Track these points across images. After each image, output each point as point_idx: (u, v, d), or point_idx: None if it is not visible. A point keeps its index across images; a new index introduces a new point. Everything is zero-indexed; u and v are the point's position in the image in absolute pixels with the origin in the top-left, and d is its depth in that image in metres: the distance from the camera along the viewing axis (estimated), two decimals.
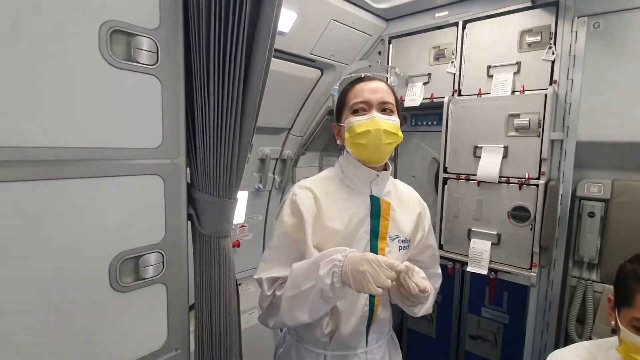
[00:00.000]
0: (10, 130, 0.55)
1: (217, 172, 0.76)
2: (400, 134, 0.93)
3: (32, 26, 0.56)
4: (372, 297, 0.95)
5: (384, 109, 0.91)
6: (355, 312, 0.93)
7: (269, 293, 0.87)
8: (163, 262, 0.74)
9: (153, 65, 0.67)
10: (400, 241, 0.98)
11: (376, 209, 0.95)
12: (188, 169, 0.80)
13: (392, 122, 0.91)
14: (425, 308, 1.00)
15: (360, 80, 0.96)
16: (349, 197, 0.95)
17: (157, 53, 0.68)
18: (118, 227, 0.68)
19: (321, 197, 0.92)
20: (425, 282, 0.86)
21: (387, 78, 0.99)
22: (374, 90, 0.92)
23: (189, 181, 0.81)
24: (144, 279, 0.71)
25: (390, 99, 0.93)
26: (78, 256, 0.64)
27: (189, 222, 0.82)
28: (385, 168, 0.99)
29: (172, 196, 0.74)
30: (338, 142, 1.01)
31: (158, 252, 0.73)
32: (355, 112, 0.92)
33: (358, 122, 0.90)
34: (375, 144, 0.89)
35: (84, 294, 0.65)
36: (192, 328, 0.84)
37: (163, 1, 0.68)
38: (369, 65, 1.01)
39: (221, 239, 0.81)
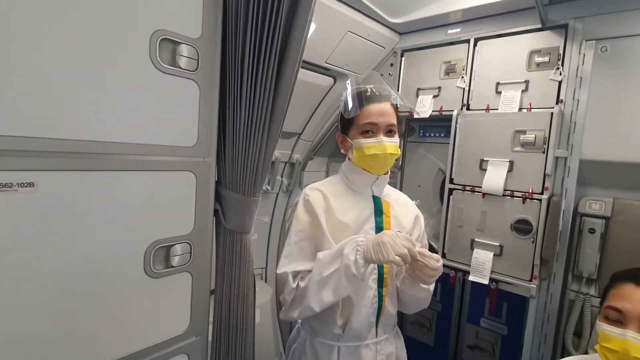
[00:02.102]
0: (64, 124, 0.61)
1: (244, 171, 0.82)
2: (399, 151, 1.04)
3: (92, 32, 0.62)
4: (380, 290, 1.03)
5: (389, 130, 1.01)
6: (366, 302, 1.01)
7: (294, 285, 0.94)
8: (190, 253, 0.79)
9: (194, 71, 0.74)
10: None
11: (379, 207, 1.06)
12: (216, 167, 0.85)
13: (395, 144, 1.02)
14: (430, 296, 1.10)
15: (368, 99, 1.02)
16: (355, 198, 1.06)
17: (198, 60, 0.74)
18: (154, 217, 0.74)
19: (330, 197, 1.03)
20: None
21: (391, 97, 1.05)
22: (382, 113, 1.00)
23: (217, 179, 0.86)
24: (173, 266, 0.76)
25: (395, 120, 1.03)
26: (118, 242, 0.69)
27: (214, 217, 0.87)
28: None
29: (202, 192, 0.80)
30: (342, 150, 1.10)
31: (187, 242, 0.78)
32: (364, 132, 1.00)
33: (367, 145, 0.99)
34: (381, 164, 1.02)
35: (121, 277, 0.71)
36: (210, 319, 0.89)
37: (205, 13, 0.74)
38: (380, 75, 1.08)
39: (243, 235, 0.87)
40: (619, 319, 0.76)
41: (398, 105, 1.06)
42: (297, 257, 0.97)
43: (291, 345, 1.16)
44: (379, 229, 1.04)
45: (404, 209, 1.13)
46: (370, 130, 1.00)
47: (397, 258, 0.82)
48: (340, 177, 1.11)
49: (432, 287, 1.07)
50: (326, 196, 1.02)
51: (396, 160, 1.94)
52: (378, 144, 0.98)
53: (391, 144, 1.00)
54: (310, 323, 1.07)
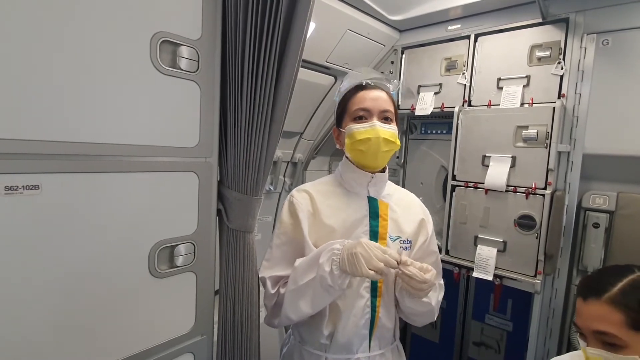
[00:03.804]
0: (67, 127, 0.62)
1: (246, 171, 0.83)
2: (398, 142, 0.96)
3: (93, 36, 0.63)
4: (373, 299, 0.95)
5: (384, 117, 0.95)
6: (355, 312, 0.93)
7: (273, 291, 0.90)
8: (194, 253, 0.80)
9: (194, 72, 0.74)
10: (401, 242, 0.99)
11: (374, 209, 0.98)
12: (218, 167, 0.86)
13: (391, 131, 0.94)
14: (436, 310, 1.00)
15: (362, 88, 0.98)
16: (347, 199, 0.98)
17: (198, 61, 0.74)
18: (157, 217, 0.74)
19: (318, 198, 0.97)
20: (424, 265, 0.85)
21: (388, 87, 1.01)
22: (375, 98, 0.95)
23: (219, 179, 0.87)
24: (178, 266, 0.77)
25: (391, 107, 0.96)
26: (122, 243, 0.70)
27: (217, 217, 0.88)
28: (382, 170, 1.01)
29: (205, 192, 0.81)
30: (338, 145, 1.04)
31: (190, 242, 0.79)
32: (356, 119, 0.95)
33: (358, 130, 0.93)
34: (374, 152, 0.92)
35: (126, 278, 0.72)
36: (215, 318, 0.90)
37: (205, 14, 0.75)
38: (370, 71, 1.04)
39: (246, 234, 0.87)
40: (582, 333, 0.74)
41: (398, 104, 1.03)
42: (278, 262, 0.93)
43: (282, 349, 1.12)
44: (373, 233, 0.96)
45: (407, 211, 1.04)
46: (363, 117, 0.94)
47: (371, 272, 0.76)
48: (335, 176, 1.05)
49: (434, 300, 0.97)
50: (313, 198, 0.97)
51: (397, 157, 1.95)
52: (370, 128, 0.91)
53: (385, 129, 0.92)
54: (299, 330, 1.01)
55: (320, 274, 0.81)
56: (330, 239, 0.89)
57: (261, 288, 0.99)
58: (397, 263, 0.80)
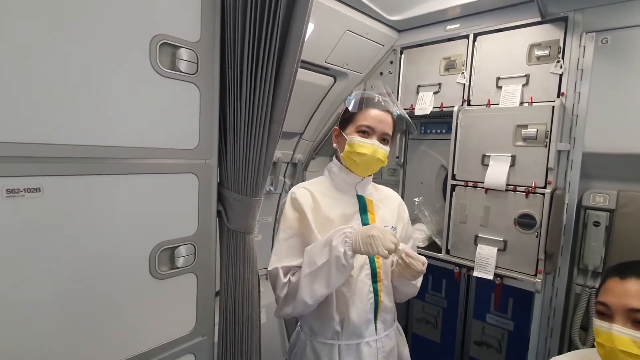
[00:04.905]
0: (68, 130, 0.62)
1: (246, 172, 0.83)
2: (387, 161, 1.09)
3: (93, 38, 0.63)
4: (375, 285, 1.06)
5: (383, 138, 1.07)
6: (362, 298, 1.03)
7: (285, 280, 0.95)
8: (195, 254, 0.80)
9: (193, 74, 0.75)
10: None
11: (363, 205, 1.12)
12: (218, 168, 0.86)
13: (385, 152, 1.07)
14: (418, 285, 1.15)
15: (374, 104, 1.07)
16: (340, 196, 1.10)
17: (197, 63, 0.75)
18: (158, 219, 0.75)
19: (316, 194, 1.07)
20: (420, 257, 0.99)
21: (394, 109, 1.11)
22: (382, 120, 1.06)
23: (219, 180, 0.87)
24: (178, 268, 0.77)
25: (390, 131, 1.09)
26: (123, 244, 0.71)
27: (218, 218, 0.88)
28: None
29: (205, 193, 0.81)
30: (334, 144, 1.14)
31: (191, 244, 0.79)
32: (360, 132, 1.05)
33: (359, 143, 1.03)
34: (365, 166, 1.06)
35: (127, 279, 0.72)
36: (216, 319, 0.90)
37: (204, 17, 0.75)
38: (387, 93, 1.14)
39: (246, 235, 0.88)
40: (607, 314, 0.76)
41: (396, 119, 1.11)
42: (287, 254, 0.99)
43: (292, 348, 1.17)
44: (365, 225, 1.07)
45: (387, 205, 1.18)
46: (366, 132, 1.05)
47: (386, 252, 0.87)
48: (325, 177, 1.16)
49: (418, 282, 1.13)
50: (313, 193, 1.06)
51: (397, 157, 1.96)
52: (370, 146, 1.03)
53: (381, 150, 1.05)
54: (309, 323, 1.08)
55: (335, 254, 0.89)
56: (330, 230, 0.97)
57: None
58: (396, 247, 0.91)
